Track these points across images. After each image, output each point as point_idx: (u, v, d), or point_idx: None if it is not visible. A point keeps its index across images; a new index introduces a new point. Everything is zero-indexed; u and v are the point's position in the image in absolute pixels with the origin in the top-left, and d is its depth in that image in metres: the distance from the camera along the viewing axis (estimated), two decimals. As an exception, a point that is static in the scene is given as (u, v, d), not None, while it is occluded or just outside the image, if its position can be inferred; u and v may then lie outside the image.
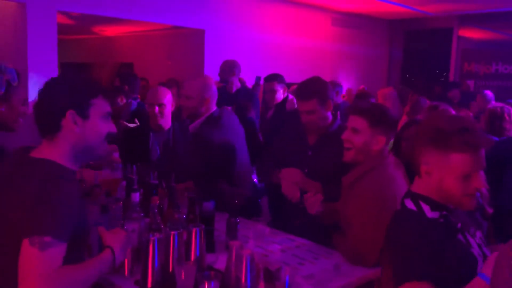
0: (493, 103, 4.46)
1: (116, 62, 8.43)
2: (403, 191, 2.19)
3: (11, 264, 1.37)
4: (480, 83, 9.02)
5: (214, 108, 3.10)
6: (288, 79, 4.65)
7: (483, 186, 1.62)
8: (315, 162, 2.71)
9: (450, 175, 1.57)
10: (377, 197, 2.16)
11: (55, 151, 1.54)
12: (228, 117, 3.12)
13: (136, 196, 2.57)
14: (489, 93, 6.20)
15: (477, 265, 1.57)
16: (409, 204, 1.66)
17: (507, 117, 3.75)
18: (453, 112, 4.17)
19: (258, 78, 5.89)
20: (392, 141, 2.57)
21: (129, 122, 3.65)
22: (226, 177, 2.99)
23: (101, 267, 1.53)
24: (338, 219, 2.42)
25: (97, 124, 1.59)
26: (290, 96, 4.51)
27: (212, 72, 5.85)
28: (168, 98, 3.37)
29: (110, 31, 8.15)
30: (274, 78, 4.55)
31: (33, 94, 4.68)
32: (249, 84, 5.84)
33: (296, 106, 4.27)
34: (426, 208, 1.62)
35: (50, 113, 1.54)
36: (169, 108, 3.38)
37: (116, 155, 3.26)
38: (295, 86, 4.64)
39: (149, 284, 1.81)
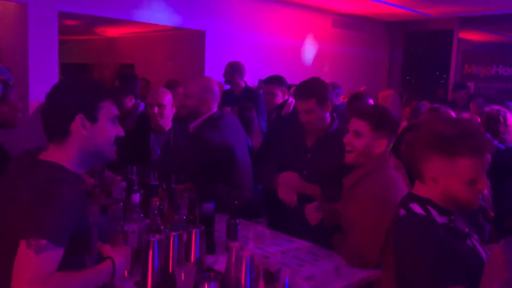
0: (492, 106, 4.46)
1: (117, 63, 8.44)
2: (403, 193, 2.19)
3: (10, 265, 1.37)
4: (480, 85, 9.02)
5: (214, 109, 3.09)
6: (288, 81, 4.63)
7: (488, 186, 1.59)
8: (314, 164, 2.70)
9: (457, 180, 1.55)
10: (378, 199, 2.16)
11: (63, 155, 1.54)
12: (228, 119, 3.11)
13: (136, 197, 2.58)
14: (480, 100, 6.22)
15: None
16: (417, 209, 1.61)
17: (502, 120, 3.76)
18: (453, 114, 4.17)
19: (260, 81, 5.89)
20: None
21: (136, 123, 3.64)
22: (226, 179, 2.98)
23: (99, 278, 1.53)
24: (338, 220, 2.42)
25: (106, 127, 1.58)
26: (290, 99, 4.44)
27: (212, 73, 5.86)
28: (168, 99, 3.37)
29: (111, 32, 8.16)
30: (272, 81, 4.46)
31: (34, 94, 4.68)
32: (250, 85, 5.84)
33: (290, 110, 4.29)
34: (434, 213, 1.59)
35: (59, 117, 1.53)
36: (169, 109, 3.38)
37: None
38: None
39: (149, 285, 1.81)
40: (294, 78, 5.36)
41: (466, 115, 4.78)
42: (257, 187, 3.54)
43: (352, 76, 8.63)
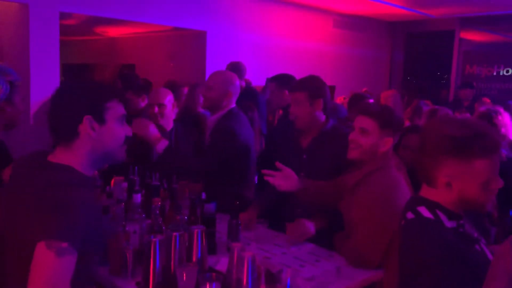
0: (488, 106, 4.45)
1: (118, 64, 8.44)
2: (406, 194, 2.19)
3: (19, 267, 1.35)
4: (481, 86, 9.02)
5: (234, 104, 3.07)
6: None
7: (501, 185, 1.55)
8: (310, 165, 2.67)
9: (473, 182, 1.52)
10: (382, 199, 2.16)
11: (73, 157, 1.52)
12: (243, 115, 3.12)
13: (137, 198, 2.57)
14: (485, 100, 6.21)
15: None
16: (425, 212, 1.58)
17: (495, 121, 3.74)
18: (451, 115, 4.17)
19: (267, 80, 5.86)
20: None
21: None
22: (241, 177, 2.96)
23: None
24: (315, 199, 2.45)
25: (114, 128, 1.56)
26: None
27: (213, 73, 5.85)
28: (169, 99, 3.37)
29: (112, 32, 8.16)
30: (277, 78, 4.16)
31: (35, 94, 4.69)
32: (253, 86, 5.83)
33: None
34: (443, 217, 1.56)
35: (66, 119, 1.50)
36: (169, 109, 3.38)
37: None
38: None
39: (151, 286, 1.81)
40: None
41: (467, 116, 4.77)
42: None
43: (353, 77, 8.62)
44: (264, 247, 2.40)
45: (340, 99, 6.83)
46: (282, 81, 4.08)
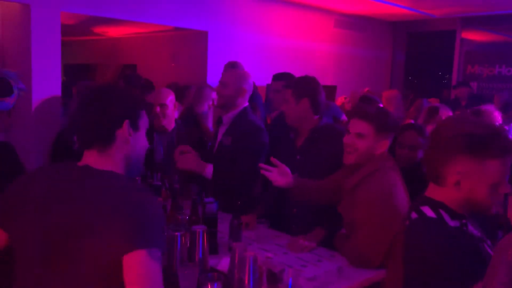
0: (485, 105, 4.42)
1: (119, 64, 8.44)
2: (403, 194, 2.20)
3: (87, 276, 1.30)
4: (483, 85, 9.01)
5: (247, 103, 3.06)
6: (291, 81, 4.60)
7: (509, 191, 1.54)
8: (304, 165, 2.67)
9: (483, 183, 1.50)
10: (382, 200, 2.16)
11: (111, 163, 1.47)
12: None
13: (139, 198, 2.57)
14: (506, 94, 6.18)
15: None
16: (428, 212, 1.57)
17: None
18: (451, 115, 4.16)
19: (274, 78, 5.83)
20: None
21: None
22: (256, 176, 2.95)
23: None
24: (310, 197, 2.47)
25: (143, 136, 1.55)
26: None
27: (215, 73, 5.86)
28: (170, 99, 3.38)
29: (113, 32, 8.17)
30: (281, 77, 3.96)
31: (36, 94, 4.67)
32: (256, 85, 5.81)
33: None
34: (446, 216, 1.55)
35: (107, 122, 1.46)
36: (171, 109, 3.38)
37: None
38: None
39: (152, 286, 1.80)
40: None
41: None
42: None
43: (354, 77, 8.62)
44: (266, 247, 2.40)
45: (341, 99, 6.82)
46: (289, 80, 3.91)
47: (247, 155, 2.89)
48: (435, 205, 1.57)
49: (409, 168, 2.87)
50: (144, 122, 1.55)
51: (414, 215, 1.62)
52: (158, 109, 3.32)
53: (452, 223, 1.54)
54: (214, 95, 4.27)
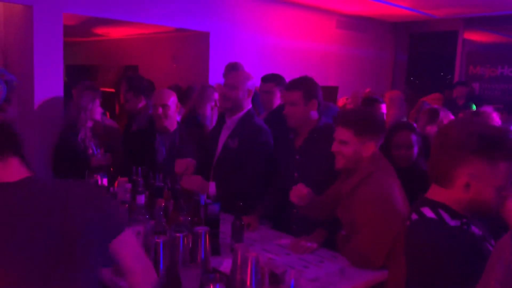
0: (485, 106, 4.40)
1: (121, 65, 8.45)
2: (400, 194, 2.21)
3: None
4: (485, 86, 8.99)
5: (250, 105, 3.05)
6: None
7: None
8: (303, 165, 2.68)
9: (491, 185, 1.48)
10: (382, 200, 2.17)
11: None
12: None
13: (141, 198, 2.58)
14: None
15: None
16: (428, 213, 1.56)
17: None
18: (452, 117, 4.15)
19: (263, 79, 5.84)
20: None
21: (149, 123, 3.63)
22: (261, 177, 2.95)
23: None
24: (323, 215, 2.47)
25: None
26: None
27: (217, 74, 5.86)
28: (172, 100, 3.38)
29: (115, 33, 8.17)
30: (271, 79, 3.87)
31: (38, 95, 4.68)
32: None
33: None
34: (446, 216, 1.53)
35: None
36: (173, 109, 3.39)
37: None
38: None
39: (154, 287, 1.80)
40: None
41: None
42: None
43: (356, 77, 8.61)
44: (268, 247, 2.40)
45: (343, 99, 6.81)
46: (278, 81, 3.88)
47: (255, 157, 2.89)
48: (435, 206, 1.57)
49: (407, 167, 2.87)
50: None
51: (414, 216, 1.61)
52: (160, 110, 3.33)
53: (453, 223, 1.54)
54: (216, 96, 4.27)
